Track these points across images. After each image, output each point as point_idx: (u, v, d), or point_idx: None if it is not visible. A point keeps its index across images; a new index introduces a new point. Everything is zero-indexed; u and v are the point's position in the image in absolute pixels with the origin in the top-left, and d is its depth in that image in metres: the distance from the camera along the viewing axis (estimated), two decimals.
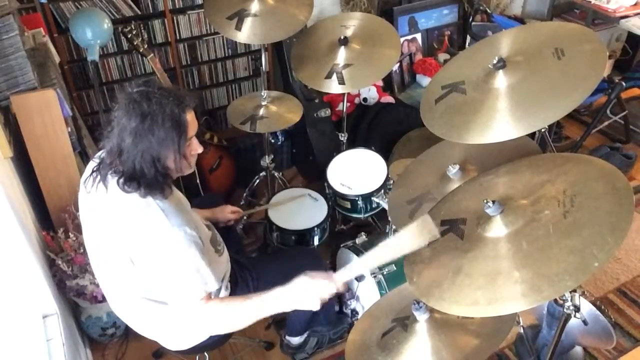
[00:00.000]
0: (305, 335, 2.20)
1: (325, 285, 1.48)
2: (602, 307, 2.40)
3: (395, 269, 2.12)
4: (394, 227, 2.14)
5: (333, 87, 2.18)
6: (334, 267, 2.42)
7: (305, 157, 3.08)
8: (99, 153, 1.54)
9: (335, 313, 2.22)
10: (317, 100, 3.03)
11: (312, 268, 1.93)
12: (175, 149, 1.42)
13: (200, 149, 1.51)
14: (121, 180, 1.41)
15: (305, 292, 1.49)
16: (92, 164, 1.53)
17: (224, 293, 1.72)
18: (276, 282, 1.87)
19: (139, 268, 1.47)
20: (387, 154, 2.82)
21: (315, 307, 1.48)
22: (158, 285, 1.51)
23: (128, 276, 1.53)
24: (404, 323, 1.43)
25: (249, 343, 2.30)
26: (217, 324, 1.55)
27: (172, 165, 1.45)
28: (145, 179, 1.41)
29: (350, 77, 2.17)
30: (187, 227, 1.43)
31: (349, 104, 2.97)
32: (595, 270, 1.03)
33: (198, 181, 2.67)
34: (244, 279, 1.82)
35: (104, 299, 2.05)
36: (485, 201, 1.22)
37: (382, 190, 2.31)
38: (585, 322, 1.77)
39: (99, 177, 1.48)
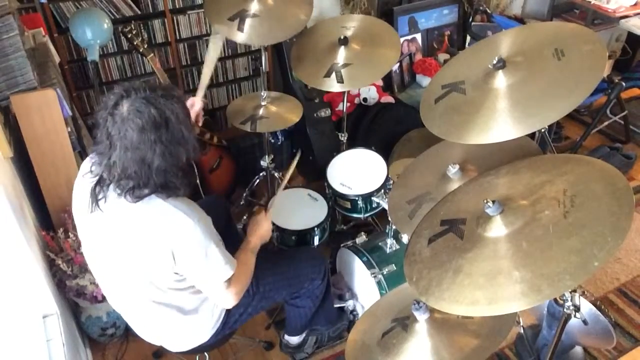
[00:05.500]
0: (304, 334, 2.20)
1: (263, 220, 1.86)
2: (602, 307, 2.40)
3: (395, 269, 2.12)
4: (394, 227, 2.14)
5: (332, 85, 2.18)
6: (334, 267, 2.43)
7: (305, 157, 3.08)
8: (85, 171, 1.45)
9: (335, 311, 2.23)
10: (317, 100, 3.03)
11: (311, 268, 1.95)
12: (194, 140, 1.41)
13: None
14: (136, 192, 1.36)
15: (259, 230, 1.83)
16: (86, 184, 1.44)
17: None
18: (275, 282, 1.88)
19: (179, 266, 1.48)
20: (387, 154, 2.82)
21: (268, 236, 1.86)
22: (193, 276, 1.53)
23: (146, 281, 1.52)
24: (404, 323, 1.43)
25: (249, 343, 2.30)
26: (241, 293, 1.67)
27: (191, 156, 1.42)
28: (171, 182, 1.38)
29: (349, 76, 2.17)
30: (204, 216, 1.47)
31: (349, 104, 2.97)
32: (595, 270, 1.03)
33: (198, 181, 2.67)
34: None
35: (104, 299, 2.05)
36: (485, 201, 1.22)
37: (382, 190, 2.31)
38: (585, 322, 1.77)
39: (101, 194, 1.41)
